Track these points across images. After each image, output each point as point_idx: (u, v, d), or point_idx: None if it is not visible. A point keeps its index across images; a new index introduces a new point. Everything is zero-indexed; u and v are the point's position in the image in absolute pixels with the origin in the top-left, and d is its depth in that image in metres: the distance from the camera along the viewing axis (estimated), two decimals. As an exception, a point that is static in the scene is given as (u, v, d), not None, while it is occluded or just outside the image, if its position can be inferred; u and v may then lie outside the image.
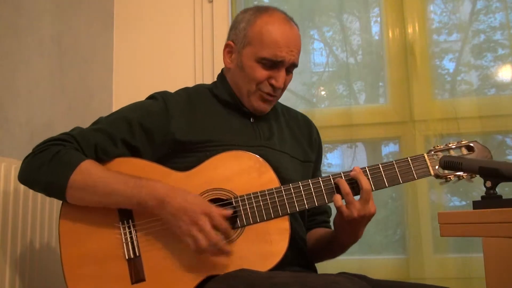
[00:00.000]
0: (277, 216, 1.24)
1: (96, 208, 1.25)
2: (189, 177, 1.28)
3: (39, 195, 1.56)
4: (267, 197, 1.25)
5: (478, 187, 1.99)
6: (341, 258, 1.66)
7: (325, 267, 1.54)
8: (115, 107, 2.27)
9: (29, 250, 1.53)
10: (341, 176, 1.27)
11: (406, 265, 2.05)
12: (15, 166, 1.47)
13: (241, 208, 1.24)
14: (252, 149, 1.31)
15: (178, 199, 1.19)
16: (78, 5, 2.12)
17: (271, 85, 1.37)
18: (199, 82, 2.23)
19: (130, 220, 1.25)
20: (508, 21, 2.12)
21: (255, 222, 1.24)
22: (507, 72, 2.15)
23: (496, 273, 1.40)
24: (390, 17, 2.22)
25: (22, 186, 1.42)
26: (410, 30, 2.18)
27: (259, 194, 1.25)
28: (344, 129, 2.18)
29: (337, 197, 1.24)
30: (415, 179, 1.28)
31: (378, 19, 2.30)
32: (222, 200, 1.26)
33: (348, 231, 1.31)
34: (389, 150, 2.32)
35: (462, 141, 1.30)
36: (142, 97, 1.45)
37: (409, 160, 1.28)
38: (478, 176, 1.08)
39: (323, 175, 1.45)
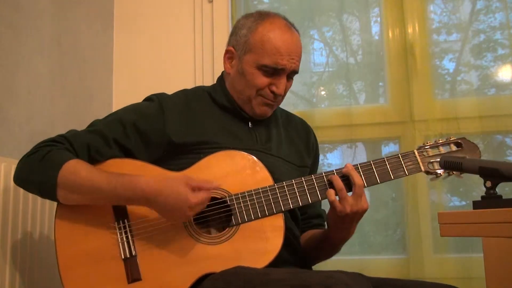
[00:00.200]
0: (271, 213, 1.26)
1: (91, 208, 1.25)
2: None
3: (39, 195, 1.56)
4: (261, 195, 1.26)
5: (478, 187, 2.00)
6: (341, 258, 1.66)
7: (324, 267, 1.54)
8: (115, 107, 2.27)
9: (29, 249, 1.53)
10: (334, 173, 1.29)
11: (406, 265, 2.05)
12: (15, 166, 1.47)
13: (236, 206, 1.25)
14: (249, 153, 1.32)
15: (163, 195, 1.18)
16: (78, 5, 2.12)
17: (272, 92, 1.38)
18: (199, 82, 2.23)
19: (125, 220, 1.26)
20: (508, 21, 2.12)
21: (250, 220, 1.25)
22: (507, 72, 2.15)
23: (496, 273, 1.40)
24: (390, 17, 2.22)
25: (22, 186, 1.41)
26: (410, 30, 2.17)
27: (253, 192, 1.26)
28: (344, 129, 2.18)
29: (331, 191, 1.26)
30: (406, 175, 1.31)
31: (378, 19, 2.30)
32: (216, 199, 1.27)
33: (341, 227, 1.32)
34: (389, 150, 2.32)
35: (450, 138, 1.34)
36: (142, 97, 1.46)
37: (400, 157, 1.31)
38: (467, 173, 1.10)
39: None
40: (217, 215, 1.28)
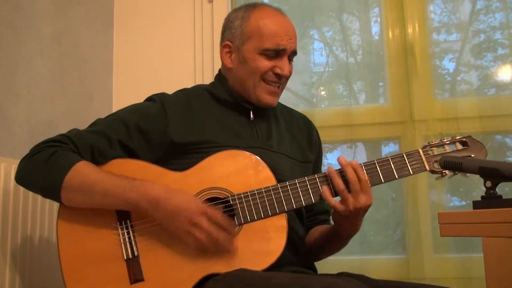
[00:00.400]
0: (274, 213, 1.25)
1: (93, 208, 1.25)
2: (185, 177, 1.28)
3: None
4: (264, 194, 1.25)
5: (478, 187, 2.00)
6: (341, 258, 1.66)
7: (325, 266, 1.54)
8: (115, 107, 2.27)
9: (29, 249, 1.53)
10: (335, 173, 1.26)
11: (406, 265, 2.05)
12: (15, 166, 1.46)
13: (238, 206, 1.25)
14: (250, 150, 1.31)
15: (172, 201, 1.19)
16: (78, 5, 2.12)
17: (276, 74, 1.38)
18: (199, 82, 2.23)
19: (128, 220, 1.25)
20: (508, 21, 2.12)
21: (253, 220, 1.24)
22: (507, 72, 2.15)
23: (496, 273, 1.40)
24: (390, 17, 2.22)
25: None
26: (410, 30, 2.17)
27: (255, 192, 1.25)
28: (344, 129, 2.18)
29: (327, 195, 1.24)
30: (411, 174, 1.29)
31: (378, 19, 2.30)
32: (219, 199, 1.27)
33: (347, 225, 1.31)
34: (389, 150, 2.32)
35: (456, 136, 1.32)
36: (142, 97, 1.45)
37: (404, 156, 1.29)
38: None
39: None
40: None
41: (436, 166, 1.28)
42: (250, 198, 1.25)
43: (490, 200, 1.01)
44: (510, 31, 2.11)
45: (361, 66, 2.30)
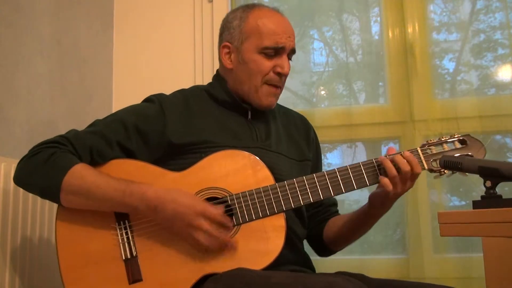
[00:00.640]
0: (272, 213, 1.25)
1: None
2: (184, 177, 1.28)
3: (39, 195, 1.56)
4: (262, 194, 1.25)
5: (478, 187, 1.99)
6: (341, 257, 1.66)
7: (323, 266, 1.54)
8: (115, 107, 2.27)
9: (29, 249, 1.53)
10: (336, 172, 1.28)
11: (406, 265, 2.05)
12: (15, 166, 1.47)
13: (237, 206, 1.25)
14: (248, 150, 1.31)
15: (170, 205, 1.19)
16: (78, 5, 2.12)
17: (277, 74, 1.39)
18: (198, 82, 2.23)
19: (126, 221, 1.26)
20: (508, 21, 2.12)
21: (251, 219, 1.24)
22: (507, 72, 2.15)
23: (496, 273, 1.40)
24: (390, 17, 2.21)
25: (22, 186, 1.41)
26: (410, 30, 2.17)
27: (254, 191, 1.26)
28: (344, 129, 2.18)
29: (385, 180, 1.26)
30: None
31: (378, 19, 2.30)
32: (217, 198, 1.27)
33: (387, 205, 1.35)
34: (389, 150, 2.32)
35: (455, 135, 1.31)
36: (142, 96, 1.46)
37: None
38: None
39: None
40: None
41: (435, 164, 1.28)
42: (248, 198, 1.25)
43: (490, 200, 1.01)
44: (510, 31, 2.11)
45: (361, 66, 2.30)
